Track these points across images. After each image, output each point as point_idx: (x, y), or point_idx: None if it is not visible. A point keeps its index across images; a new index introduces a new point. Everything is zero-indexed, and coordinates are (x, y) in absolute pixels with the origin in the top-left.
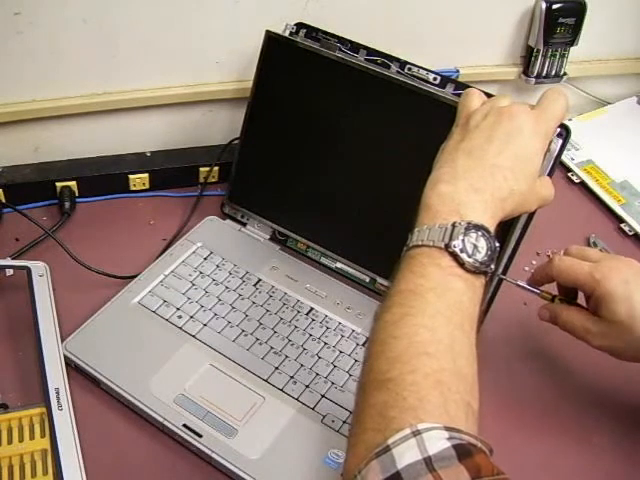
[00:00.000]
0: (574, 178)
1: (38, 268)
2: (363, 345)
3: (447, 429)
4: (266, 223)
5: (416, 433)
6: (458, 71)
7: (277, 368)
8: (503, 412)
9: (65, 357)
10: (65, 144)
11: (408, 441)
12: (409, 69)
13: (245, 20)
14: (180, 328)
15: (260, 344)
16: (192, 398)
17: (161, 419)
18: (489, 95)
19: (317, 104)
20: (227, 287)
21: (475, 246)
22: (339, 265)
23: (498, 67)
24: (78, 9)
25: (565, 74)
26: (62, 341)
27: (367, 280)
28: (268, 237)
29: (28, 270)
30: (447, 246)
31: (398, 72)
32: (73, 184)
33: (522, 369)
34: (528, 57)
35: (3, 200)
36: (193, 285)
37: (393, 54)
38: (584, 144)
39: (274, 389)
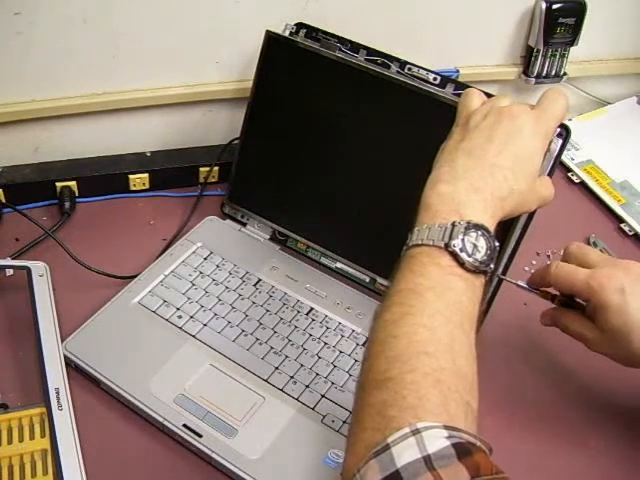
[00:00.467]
0: (574, 178)
1: (38, 268)
2: (363, 345)
3: (446, 428)
4: (266, 223)
5: (415, 432)
6: (458, 71)
7: (277, 368)
8: (501, 412)
9: (65, 357)
10: (65, 144)
11: (407, 440)
12: (409, 69)
13: (245, 20)
14: (180, 328)
15: (260, 344)
16: (192, 398)
17: (161, 419)
18: (489, 95)
19: (317, 104)
20: (227, 287)
21: (475, 245)
22: (339, 265)
23: (498, 67)
24: (78, 9)
25: (565, 74)
26: (62, 341)
27: (367, 280)
28: (268, 237)
29: (28, 270)
30: (447, 245)
31: (398, 72)
32: (73, 184)
33: (521, 369)
34: (528, 57)
35: (3, 200)
36: (193, 285)
37: (393, 54)
38: (584, 144)
39: (274, 389)
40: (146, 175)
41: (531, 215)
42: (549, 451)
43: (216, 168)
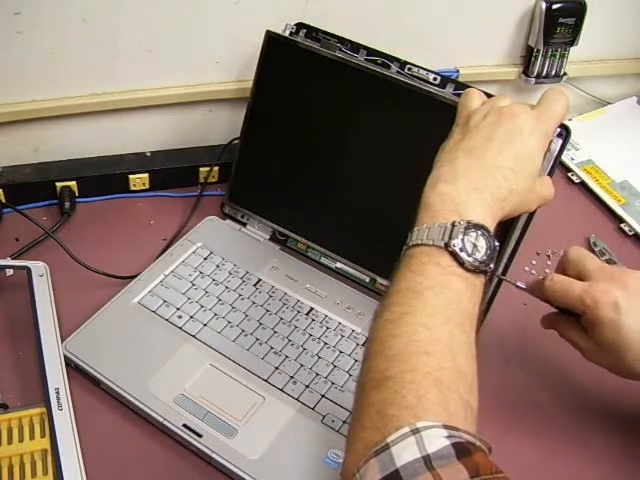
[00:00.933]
0: (574, 178)
1: (38, 268)
2: (363, 345)
3: (446, 427)
4: (266, 223)
5: (415, 431)
6: (458, 71)
7: (277, 368)
8: (500, 412)
9: (65, 357)
10: (65, 144)
11: (407, 439)
12: (409, 69)
13: (245, 20)
14: (180, 328)
15: (260, 344)
16: (192, 398)
17: (161, 419)
18: (489, 95)
19: (317, 104)
20: (227, 287)
21: (475, 245)
22: (339, 265)
23: (498, 67)
24: (78, 9)
25: (565, 74)
26: (62, 341)
27: (367, 280)
28: (268, 237)
29: (28, 270)
30: (447, 245)
31: (398, 72)
32: (73, 184)
33: (521, 369)
34: (528, 57)
35: (3, 200)
36: (193, 285)
37: (393, 54)
38: (584, 144)
39: (274, 389)
40: (146, 175)
41: (531, 215)
42: (549, 452)
43: (216, 168)
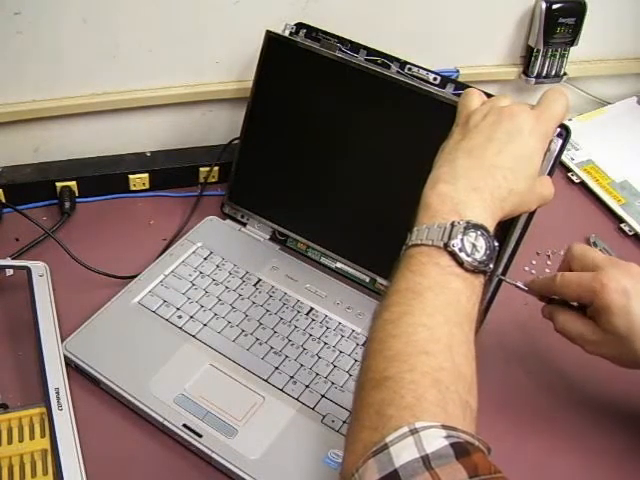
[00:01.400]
0: (574, 178)
1: (38, 268)
2: (363, 345)
3: (445, 428)
4: (266, 223)
5: (414, 431)
6: (458, 71)
7: (277, 368)
8: (501, 412)
9: (65, 357)
10: (65, 144)
11: (405, 439)
12: (409, 69)
13: (245, 20)
14: (180, 328)
15: (260, 344)
16: (192, 398)
17: (161, 419)
18: (489, 95)
19: (317, 104)
20: (227, 287)
21: (474, 245)
22: (339, 265)
23: (498, 67)
24: (78, 9)
25: (565, 74)
26: (62, 341)
27: (367, 280)
28: (268, 237)
29: (28, 270)
30: (446, 245)
31: (398, 72)
32: (73, 184)
33: (521, 369)
34: (528, 57)
35: (3, 200)
36: (193, 285)
37: (393, 54)
38: (584, 144)
39: (274, 389)
40: (146, 175)
41: (531, 215)
42: (550, 451)
43: (216, 168)
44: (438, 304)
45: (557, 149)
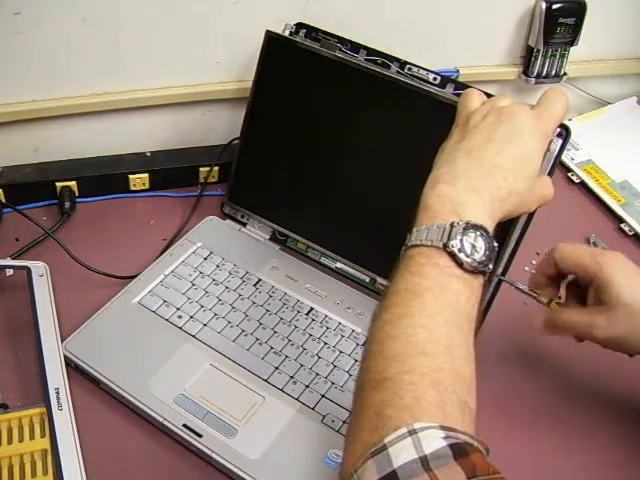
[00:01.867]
0: (574, 178)
1: (38, 268)
2: (363, 345)
3: (443, 428)
4: (266, 223)
5: (412, 432)
6: (458, 71)
7: (277, 368)
8: (501, 412)
9: (65, 357)
10: (65, 144)
11: (404, 440)
12: (409, 69)
13: (245, 20)
14: (180, 328)
15: (260, 344)
16: (192, 398)
17: (161, 419)
18: (489, 95)
19: (317, 104)
20: (227, 287)
21: (473, 246)
22: (339, 265)
23: (498, 67)
24: (78, 9)
25: (565, 74)
26: (62, 341)
27: (367, 280)
28: (268, 237)
29: (28, 270)
30: (445, 246)
31: (398, 72)
32: (73, 184)
33: (521, 369)
34: (528, 57)
35: (3, 200)
36: (193, 285)
37: (393, 54)
38: (584, 144)
39: (274, 389)
40: (146, 175)
41: (531, 215)
42: (550, 451)
43: (216, 168)
44: (437, 305)
45: (557, 149)
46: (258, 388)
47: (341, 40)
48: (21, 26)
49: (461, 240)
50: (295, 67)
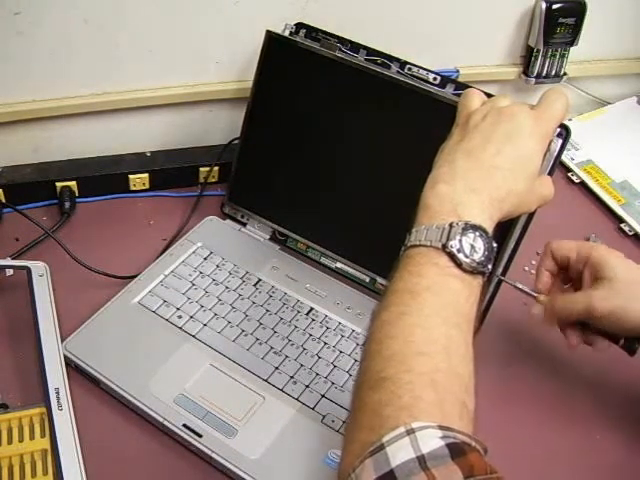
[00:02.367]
0: (574, 178)
1: (38, 268)
2: (363, 345)
3: (441, 428)
4: (266, 223)
5: (410, 432)
6: (458, 71)
7: (277, 368)
8: (502, 412)
9: (65, 357)
10: (65, 144)
11: (402, 439)
12: (409, 69)
13: (245, 20)
14: (180, 328)
15: (260, 344)
16: (192, 398)
17: (161, 419)
18: (489, 95)
19: (317, 104)
20: (227, 287)
21: (472, 246)
22: (339, 265)
23: (498, 67)
24: (79, 9)
25: (565, 74)
26: (62, 341)
27: (367, 280)
28: (268, 237)
29: (28, 270)
30: (444, 246)
31: (398, 72)
32: (73, 184)
33: (522, 369)
34: (528, 57)
35: (3, 200)
36: (193, 285)
37: (393, 54)
38: (584, 144)
39: (274, 389)
40: (146, 175)
41: (531, 215)
42: (551, 451)
43: (216, 168)
44: (436, 305)
45: (557, 149)
46: (258, 388)
47: (341, 40)
48: (21, 26)
49: (460, 240)
50: (295, 67)
